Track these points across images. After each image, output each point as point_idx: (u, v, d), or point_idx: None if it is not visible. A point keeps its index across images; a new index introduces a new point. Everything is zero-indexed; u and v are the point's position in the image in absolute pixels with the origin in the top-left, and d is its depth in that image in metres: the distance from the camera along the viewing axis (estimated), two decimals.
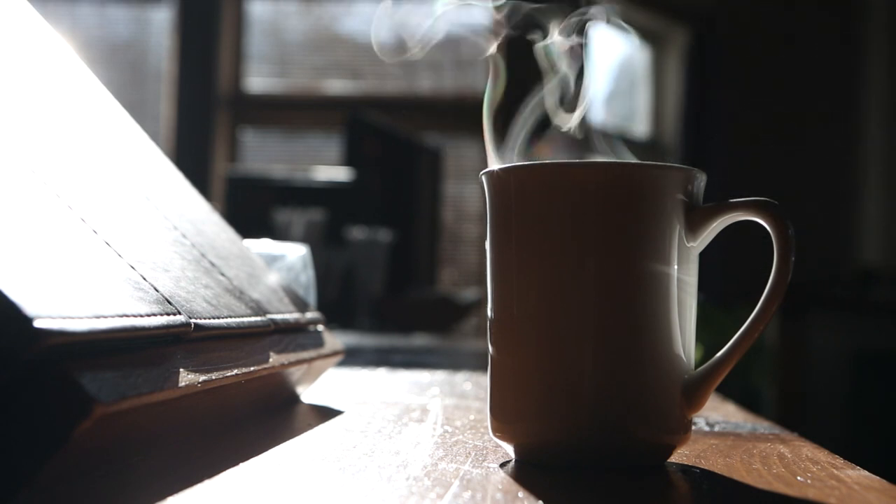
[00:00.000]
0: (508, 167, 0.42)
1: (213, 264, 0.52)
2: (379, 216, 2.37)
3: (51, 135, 0.47)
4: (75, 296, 0.33)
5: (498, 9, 0.47)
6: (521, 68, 0.48)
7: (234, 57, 3.59)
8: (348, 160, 2.43)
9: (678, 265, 0.40)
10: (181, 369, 0.38)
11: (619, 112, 3.74)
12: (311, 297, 0.73)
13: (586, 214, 0.40)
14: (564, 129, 0.45)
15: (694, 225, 0.41)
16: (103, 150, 0.52)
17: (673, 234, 0.40)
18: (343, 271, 2.04)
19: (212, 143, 3.50)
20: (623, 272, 0.40)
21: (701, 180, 0.42)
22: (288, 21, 3.66)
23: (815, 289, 2.98)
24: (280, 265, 0.72)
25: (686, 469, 0.41)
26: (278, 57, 3.65)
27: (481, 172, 0.43)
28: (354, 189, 2.36)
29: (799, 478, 0.39)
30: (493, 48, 0.45)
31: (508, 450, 0.42)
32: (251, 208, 2.37)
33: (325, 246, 2.01)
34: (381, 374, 0.82)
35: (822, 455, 0.44)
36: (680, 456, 0.43)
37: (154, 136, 0.70)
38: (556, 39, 0.45)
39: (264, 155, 3.65)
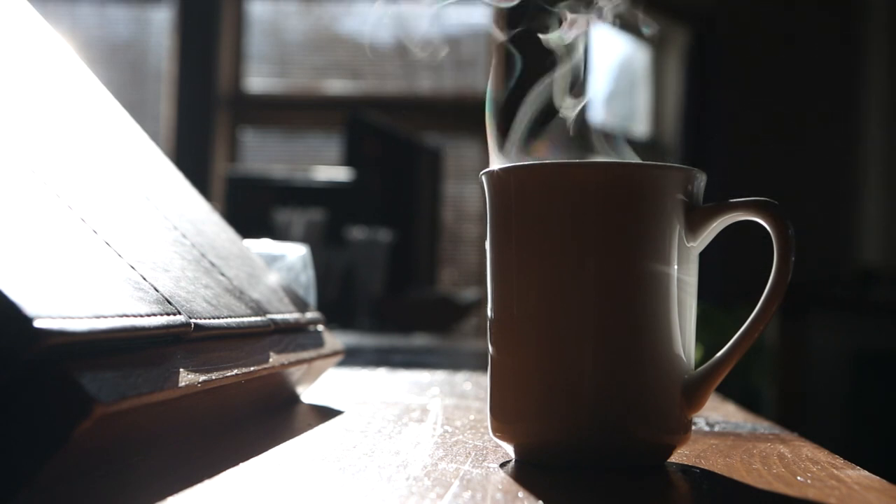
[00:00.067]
0: (508, 167, 0.42)
1: (213, 264, 0.52)
2: (379, 216, 2.37)
3: (51, 135, 0.47)
4: (75, 296, 0.33)
5: (500, 7, 0.47)
6: (524, 66, 0.48)
7: (234, 57, 3.59)
8: (348, 160, 2.43)
9: (678, 265, 0.40)
10: (181, 369, 0.38)
11: (620, 112, 3.74)
12: (311, 297, 0.73)
13: (586, 214, 0.40)
14: (566, 126, 0.45)
15: (694, 225, 0.41)
16: (103, 150, 0.52)
17: (673, 234, 0.40)
18: (343, 271, 2.04)
19: (212, 143, 3.50)
20: (623, 272, 0.40)
21: (701, 180, 0.42)
22: (288, 21, 3.66)
23: (815, 289, 2.98)
24: (280, 265, 0.72)
25: (686, 469, 0.41)
26: (278, 57, 3.65)
27: (481, 172, 0.43)
28: (354, 189, 2.36)
29: (799, 478, 0.39)
30: (495, 46, 0.45)
31: (508, 450, 0.42)
32: (251, 208, 2.37)
33: (325, 246, 2.01)
34: (381, 374, 0.82)
35: (822, 455, 0.44)
36: (680, 456, 0.43)
37: (154, 136, 0.70)
38: (558, 36, 0.45)
39: (264, 155, 3.65)
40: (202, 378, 0.39)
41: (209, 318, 0.43)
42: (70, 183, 0.43)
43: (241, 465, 0.38)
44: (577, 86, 0.45)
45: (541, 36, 0.45)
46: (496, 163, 0.44)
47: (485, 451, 0.43)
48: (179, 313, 0.40)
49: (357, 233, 2.12)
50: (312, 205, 2.15)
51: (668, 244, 0.40)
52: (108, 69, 3.49)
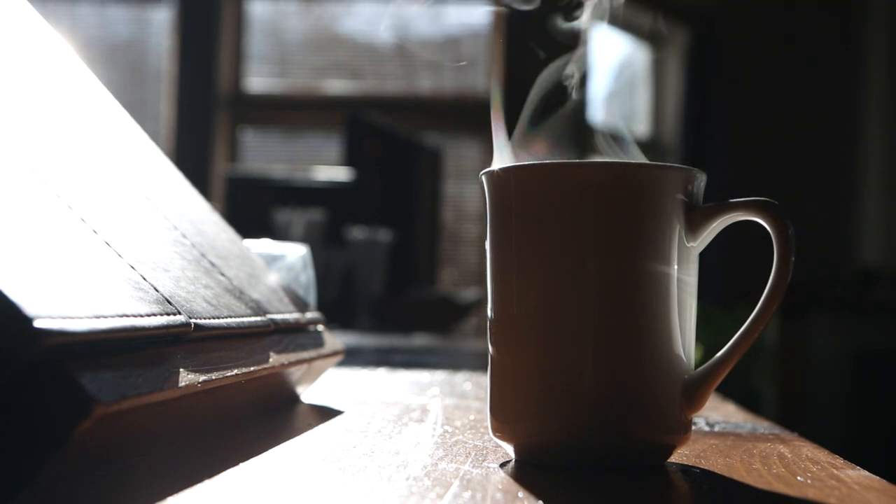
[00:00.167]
0: (508, 167, 0.42)
1: (213, 264, 0.52)
2: (379, 216, 2.37)
3: (51, 135, 0.47)
4: (75, 296, 0.33)
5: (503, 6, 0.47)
6: (527, 65, 0.48)
7: (234, 57, 3.59)
8: (348, 160, 2.43)
9: (678, 265, 0.40)
10: (181, 369, 0.38)
11: (620, 112, 3.74)
12: (311, 297, 0.73)
13: (586, 214, 0.40)
14: (572, 124, 0.45)
15: (694, 225, 0.41)
16: (103, 150, 0.52)
17: (673, 234, 0.40)
18: (343, 271, 2.04)
19: (212, 143, 3.50)
20: (623, 272, 0.40)
21: (701, 180, 0.42)
22: (288, 21, 3.66)
23: (815, 289, 2.98)
24: (280, 265, 0.72)
25: (686, 469, 0.41)
26: (278, 57, 3.65)
27: (481, 172, 0.43)
28: (354, 189, 2.36)
29: (799, 478, 0.39)
30: (498, 44, 0.45)
31: (508, 450, 0.42)
32: (251, 208, 2.37)
33: (325, 246, 2.01)
34: (381, 374, 0.82)
35: (822, 455, 0.44)
36: (680, 456, 0.43)
37: (154, 136, 0.70)
38: (561, 35, 0.45)
39: (264, 155, 3.65)
40: (202, 378, 0.39)
41: (209, 318, 0.43)
42: (70, 183, 0.43)
43: (241, 465, 0.38)
44: (581, 83, 0.45)
45: (545, 33, 0.45)
46: (500, 160, 0.44)
47: (485, 451, 0.43)
48: (179, 313, 0.40)
49: (357, 233, 2.12)
50: (312, 205, 2.15)
51: (668, 244, 0.40)
52: (108, 69, 3.49)
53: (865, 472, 0.40)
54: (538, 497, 0.34)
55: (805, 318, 2.92)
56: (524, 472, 0.39)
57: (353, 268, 2.05)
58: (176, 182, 0.62)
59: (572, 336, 0.40)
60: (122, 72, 3.58)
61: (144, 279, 0.40)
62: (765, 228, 0.41)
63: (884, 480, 0.38)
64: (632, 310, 0.40)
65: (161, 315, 0.38)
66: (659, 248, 0.40)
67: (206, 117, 3.50)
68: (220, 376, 0.41)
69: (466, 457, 0.42)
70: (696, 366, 0.42)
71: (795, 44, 3.59)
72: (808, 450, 0.46)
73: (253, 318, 0.50)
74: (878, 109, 3.54)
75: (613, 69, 3.64)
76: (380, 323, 2.00)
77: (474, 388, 0.73)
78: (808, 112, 3.57)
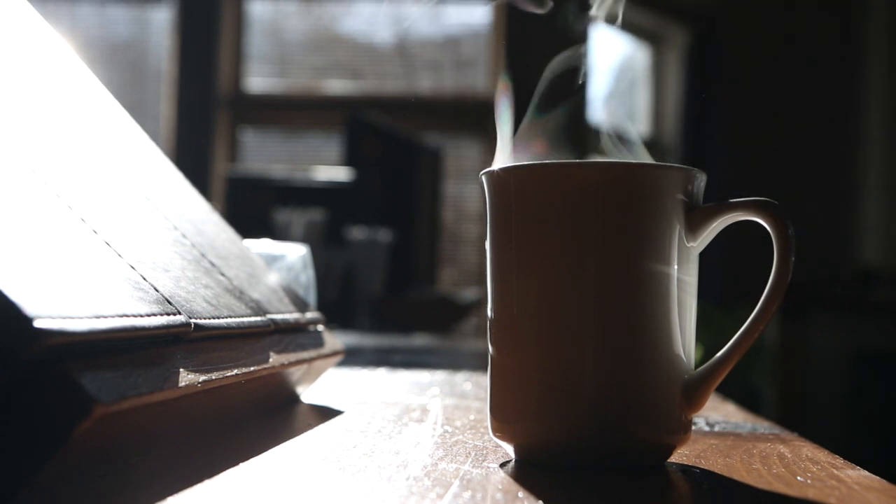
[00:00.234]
0: (508, 167, 0.42)
1: (213, 264, 0.52)
2: (379, 216, 2.37)
3: (51, 135, 0.47)
4: (75, 296, 0.33)
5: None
6: (530, 66, 0.48)
7: (234, 57, 3.59)
8: (348, 160, 2.43)
9: (678, 265, 0.40)
10: (181, 369, 0.38)
11: (621, 112, 3.74)
12: (311, 297, 0.73)
13: (586, 214, 0.40)
14: (576, 123, 0.45)
15: (694, 225, 0.41)
16: (103, 150, 0.52)
17: (673, 234, 0.40)
18: (343, 271, 2.04)
19: (212, 143, 3.50)
20: (623, 272, 0.40)
21: (701, 180, 0.42)
22: (288, 21, 3.66)
23: (815, 289, 2.98)
24: (280, 265, 0.72)
25: (686, 469, 0.41)
26: (278, 57, 3.65)
27: (481, 172, 0.43)
28: (354, 189, 2.36)
29: (799, 478, 0.39)
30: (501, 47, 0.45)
31: (508, 450, 0.42)
32: (251, 208, 2.37)
33: (325, 246, 2.01)
34: (381, 374, 0.82)
35: (822, 455, 0.44)
36: (680, 456, 0.43)
37: (154, 136, 0.70)
38: (562, 35, 0.45)
39: (264, 155, 3.65)
40: (202, 378, 0.39)
41: (209, 318, 0.43)
42: (70, 183, 0.43)
43: (241, 465, 0.38)
44: (583, 82, 0.45)
45: (548, 33, 0.45)
46: (501, 160, 0.44)
47: (485, 451, 0.43)
48: (179, 313, 0.40)
49: (357, 233, 2.12)
50: (312, 205, 2.15)
51: (668, 244, 0.40)
52: (108, 69, 3.49)
53: (865, 472, 0.40)
54: (538, 497, 0.34)
55: (805, 318, 2.92)
56: (524, 472, 0.39)
57: (353, 268, 2.05)
58: (176, 182, 0.62)
59: (572, 336, 0.40)
60: (122, 72, 3.58)
61: (144, 279, 0.40)
62: (765, 228, 0.41)
63: (884, 480, 0.38)
64: (632, 310, 0.40)
65: (161, 315, 0.38)
66: (659, 248, 0.40)
67: (206, 117, 3.50)
68: (220, 376, 0.41)
69: (466, 457, 0.42)
70: (696, 366, 0.42)
71: (795, 44, 3.59)
72: (808, 450, 0.46)
73: (253, 318, 0.50)
74: (878, 110, 3.54)
75: (613, 69, 3.64)
76: (380, 323, 2.00)
77: (474, 388, 0.73)
78: (808, 112, 3.57)
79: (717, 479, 0.39)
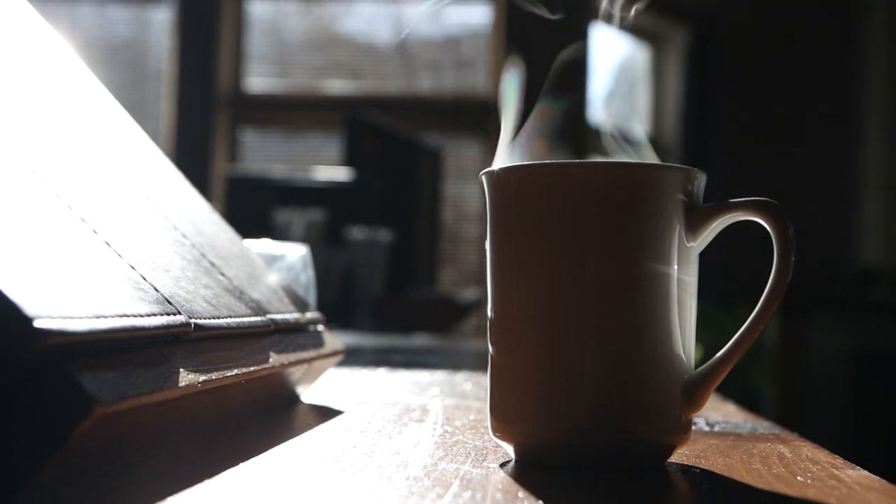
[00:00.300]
0: (508, 167, 0.42)
1: (213, 264, 0.52)
2: (379, 216, 2.37)
3: (51, 135, 0.47)
4: (75, 296, 0.33)
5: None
6: (534, 67, 0.48)
7: (234, 57, 3.59)
8: (348, 160, 2.43)
9: (678, 265, 0.40)
10: (181, 369, 0.38)
11: (622, 112, 3.73)
12: (311, 297, 0.73)
13: (586, 214, 0.40)
14: (570, 124, 0.45)
15: (694, 225, 0.41)
16: (103, 150, 0.52)
17: (673, 234, 0.40)
18: (343, 271, 2.04)
19: (212, 143, 3.50)
20: (623, 272, 0.40)
21: (701, 180, 0.42)
22: (288, 21, 3.66)
23: (815, 289, 2.98)
24: (280, 265, 0.72)
25: (686, 469, 0.41)
26: (278, 57, 3.65)
27: (481, 172, 0.43)
28: (354, 189, 2.36)
29: (799, 478, 0.39)
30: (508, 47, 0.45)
31: (508, 450, 0.42)
32: (251, 208, 2.37)
33: (325, 246, 2.01)
34: (381, 374, 0.82)
35: (822, 455, 0.44)
36: (680, 456, 0.43)
37: (154, 136, 0.70)
38: (562, 35, 0.45)
39: (264, 155, 3.65)
40: (202, 378, 0.39)
41: (209, 318, 0.43)
42: (70, 183, 0.43)
43: (241, 465, 0.38)
44: (583, 82, 0.45)
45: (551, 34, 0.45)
46: (502, 159, 0.44)
47: (485, 451, 0.43)
48: (179, 313, 0.40)
49: (357, 233, 2.12)
50: (312, 205, 2.15)
51: (668, 244, 0.40)
52: (108, 69, 3.49)
53: (865, 472, 0.40)
54: (538, 497, 0.34)
55: (805, 318, 2.92)
56: (524, 472, 0.39)
57: (353, 268, 2.05)
58: (176, 182, 0.62)
59: (572, 336, 0.40)
60: (122, 72, 3.58)
61: (144, 279, 0.40)
62: (765, 228, 0.41)
63: (884, 480, 0.38)
64: (632, 310, 0.40)
65: (161, 315, 0.38)
66: (659, 248, 0.40)
67: (206, 117, 3.50)
68: (220, 376, 0.41)
69: (466, 457, 0.42)
70: (696, 366, 0.42)
71: (795, 44, 3.59)
72: (808, 450, 0.46)
73: (253, 318, 0.50)
74: (878, 110, 3.54)
75: (613, 69, 3.64)
76: (380, 323, 2.00)
77: (474, 388, 0.73)
78: (808, 112, 3.57)
79: (717, 479, 0.39)
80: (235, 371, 0.44)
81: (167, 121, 3.49)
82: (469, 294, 2.39)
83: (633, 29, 3.57)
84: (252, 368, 0.46)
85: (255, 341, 0.50)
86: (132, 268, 0.40)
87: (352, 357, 0.96)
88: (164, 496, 0.32)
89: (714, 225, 0.41)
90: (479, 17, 3.55)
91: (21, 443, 0.29)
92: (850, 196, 3.59)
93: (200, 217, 0.60)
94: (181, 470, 0.36)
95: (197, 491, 0.33)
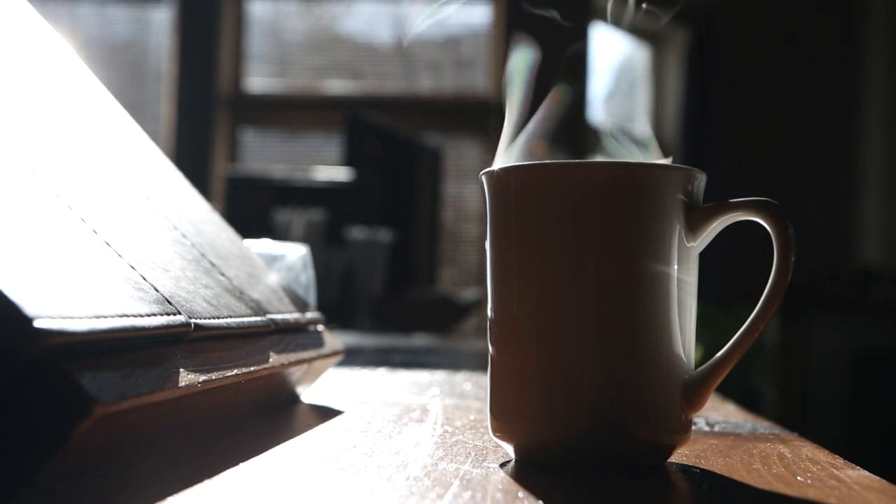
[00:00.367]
0: (508, 167, 0.42)
1: (213, 264, 0.52)
2: (379, 216, 2.37)
3: (51, 135, 0.47)
4: (75, 296, 0.33)
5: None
6: (534, 67, 0.48)
7: (234, 57, 3.59)
8: (348, 160, 2.43)
9: (678, 265, 0.40)
10: (181, 369, 0.38)
11: (622, 112, 3.73)
12: (311, 297, 0.73)
13: (586, 214, 0.40)
14: (571, 124, 0.45)
15: (694, 225, 0.41)
16: (103, 150, 0.52)
17: (673, 234, 0.40)
18: (343, 271, 2.03)
19: (212, 143, 3.50)
20: (623, 272, 0.40)
21: (701, 180, 0.42)
22: (288, 21, 3.66)
23: (815, 289, 2.98)
24: (280, 265, 0.72)
25: (686, 469, 0.41)
26: (278, 57, 3.65)
27: (481, 172, 0.43)
28: (354, 189, 2.36)
29: (799, 478, 0.39)
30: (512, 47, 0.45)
31: (508, 450, 0.42)
32: (251, 208, 2.37)
33: (325, 246, 2.01)
34: (381, 374, 0.82)
35: (822, 455, 0.44)
36: (680, 456, 0.43)
37: (154, 136, 0.70)
38: (563, 35, 0.45)
39: (264, 155, 3.65)
40: (202, 378, 0.39)
41: (209, 318, 0.43)
42: (70, 183, 0.43)
43: (241, 465, 0.38)
44: (584, 82, 0.45)
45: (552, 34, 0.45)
46: (502, 159, 0.44)
47: (485, 451, 0.43)
48: (179, 313, 0.40)
49: (357, 233, 2.12)
50: (312, 205, 2.15)
51: (668, 244, 0.40)
52: (108, 69, 3.49)
53: (865, 472, 0.40)
54: (538, 497, 0.34)
55: (805, 318, 2.92)
56: (524, 472, 0.39)
57: (353, 268, 2.05)
58: (176, 182, 0.62)
59: (572, 336, 0.40)
60: (122, 72, 3.58)
61: (144, 279, 0.40)
62: (765, 228, 0.41)
63: (884, 480, 0.38)
64: (632, 310, 0.40)
65: (161, 315, 0.38)
66: (659, 248, 0.40)
67: (206, 117, 3.50)
68: (220, 376, 0.41)
69: (466, 457, 0.42)
70: (696, 366, 0.42)
71: (795, 44, 3.59)
72: (808, 450, 0.46)
73: (253, 318, 0.50)
74: (878, 110, 3.54)
75: (613, 69, 3.64)
76: (380, 323, 2.00)
77: (474, 388, 0.73)
78: (808, 112, 3.57)
79: (717, 479, 0.39)
80: (235, 371, 0.44)
81: (167, 121, 3.49)
82: (469, 294, 2.39)
83: (633, 29, 3.57)
84: (252, 368, 0.46)
85: (255, 341, 0.50)
86: (132, 268, 0.40)
87: (352, 357, 0.96)
88: (164, 496, 0.32)
89: (714, 225, 0.41)
90: (479, 17, 3.55)
91: (21, 443, 0.29)
92: (850, 196, 3.58)
93: (200, 217, 0.60)
94: (181, 470, 0.36)
95: (197, 491, 0.33)
